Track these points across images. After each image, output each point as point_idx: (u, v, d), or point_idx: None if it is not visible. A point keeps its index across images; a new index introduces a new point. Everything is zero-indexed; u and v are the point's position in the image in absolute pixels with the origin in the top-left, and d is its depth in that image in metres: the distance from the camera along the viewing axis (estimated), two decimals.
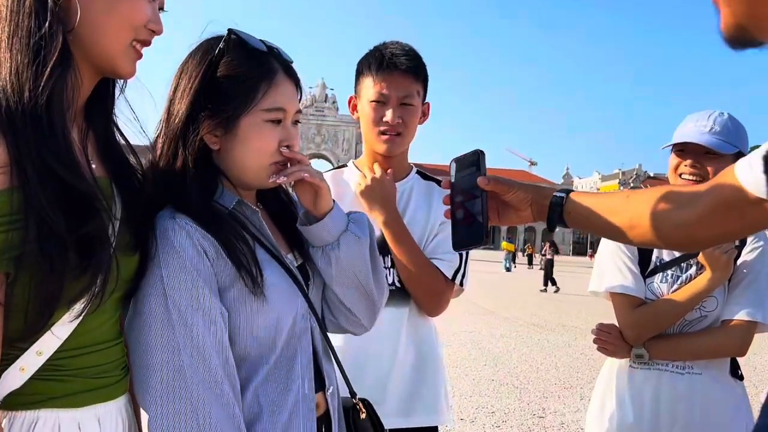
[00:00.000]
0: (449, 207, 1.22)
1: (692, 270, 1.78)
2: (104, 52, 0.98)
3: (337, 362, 1.25)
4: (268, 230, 1.18)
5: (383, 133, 1.68)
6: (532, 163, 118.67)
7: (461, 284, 1.73)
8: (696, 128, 1.74)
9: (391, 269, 1.70)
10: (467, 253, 1.71)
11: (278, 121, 1.13)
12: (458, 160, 1.24)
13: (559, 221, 1.15)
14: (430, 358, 1.74)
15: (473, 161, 1.20)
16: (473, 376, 6.16)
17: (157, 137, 1.15)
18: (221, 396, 1.01)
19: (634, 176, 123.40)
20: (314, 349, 1.19)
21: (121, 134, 1.10)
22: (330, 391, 1.22)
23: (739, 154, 1.71)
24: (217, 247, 1.06)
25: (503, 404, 5.14)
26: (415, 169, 1.85)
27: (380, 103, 1.66)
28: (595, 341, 1.86)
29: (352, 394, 1.28)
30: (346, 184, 1.78)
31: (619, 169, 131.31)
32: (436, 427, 1.74)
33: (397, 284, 1.70)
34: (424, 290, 1.69)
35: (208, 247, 1.06)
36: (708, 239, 1.13)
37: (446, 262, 1.69)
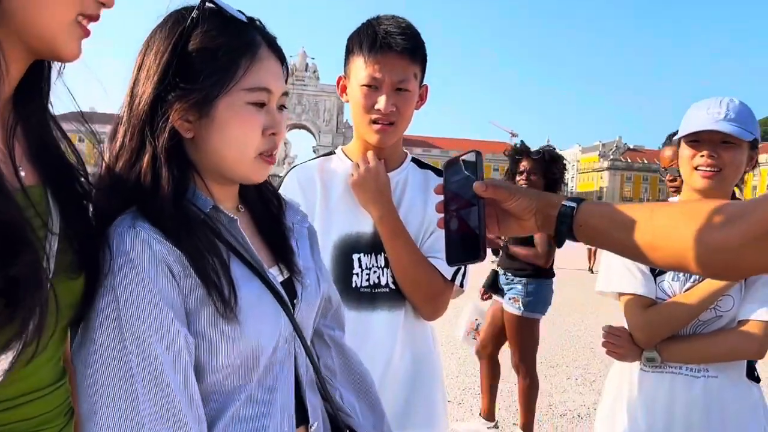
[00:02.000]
0: (442, 215, 1.06)
1: None
2: (41, 29, 0.77)
3: (324, 394, 1.08)
4: (248, 240, 0.98)
5: (375, 122, 1.48)
6: (513, 135, 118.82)
7: (461, 285, 1.57)
8: (709, 116, 1.58)
9: (385, 269, 1.51)
10: None
11: (261, 105, 0.94)
12: (451, 163, 1.06)
13: (568, 234, 0.98)
14: (426, 365, 1.58)
15: (469, 164, 1.03)
16: (459, 355, 6.06)
17: (116, 127, 0.94)
18: None
19: (614, 148, 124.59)
20: (297, 379, 1.01)
21: (59, 128, 0.88)
22: (314, 427, 1.04)
23: (755, 142, 1.59)
24: (184, 262, 0.87)
25: None
26: (410, 157, 1.66)
27: (372, 87, 1.46)
28: (604, 345, 1.72)
29: (341, 428, 1.11)
30: (334, 173, 1.58)
31: (600, 141, 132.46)
32: None
33: (392, 285, 1.51)
34: (422, 292, 1.51)
35: (173, 262, 0.87)
36: (757, 267, 0.89)
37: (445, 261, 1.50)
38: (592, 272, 14.86)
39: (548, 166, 3.77)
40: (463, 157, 1.05)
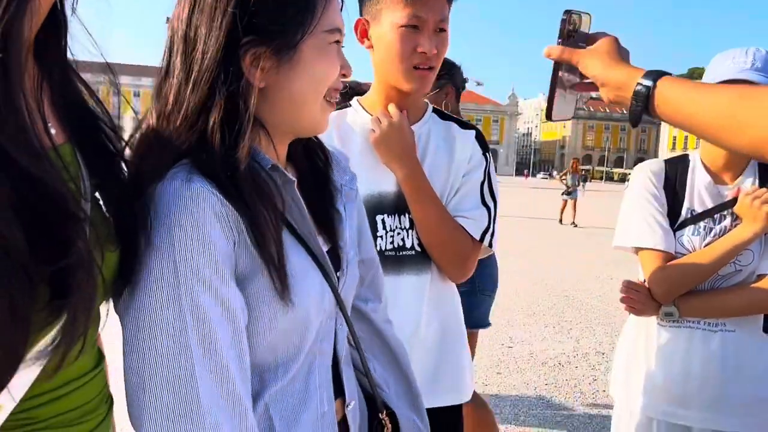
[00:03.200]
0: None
1: (727, 221, 1.62)
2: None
3: (364, 369, 1.03)
4: (304, 205, 0.90)
5: (416, 67, 1.36)
6: (479, 84, 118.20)
7: (490, 245, 1.48)
8: (735, 65, 1.52)
9: (410, 231, 1.44)
10: (495, 210, 1.50)
11: (337, 44, 0.88)
12: (562, 21, 1.03)
13: (645, 113, 0.93)
14: (453, 330, 1.53)
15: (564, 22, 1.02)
16: None
17: (161, 82, 0.83)
18: (239, 416, 0.76)
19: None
20: (335, 356, 0.96)
21: (82, 80, 0.76)
22: (351, 406, 0.99)
23: None
24: (241, 226, 0.77)
25: None
26: (431, 107, 1.54)
27: (413, 28, 1.33)
28: (622, 300, 1.70)
29: (379, 408, 1.06)
30: (351, 129, 1.47)
31: None
32: (461, 406, 1.54)
33: (417, 248, 1.44)
34: (450, 254, 1.44)
35: (232, 223, 0.77)
36: None
37: (472, 220, 1.44)
38: (561, 223, 15.08)
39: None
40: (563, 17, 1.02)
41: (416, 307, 1.44)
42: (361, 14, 1.44)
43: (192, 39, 0.80)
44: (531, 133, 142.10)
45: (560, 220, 15.59)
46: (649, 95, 0.90)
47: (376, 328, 1.14)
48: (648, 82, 0.90)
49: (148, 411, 0.71)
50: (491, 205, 1.48)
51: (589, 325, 5.68)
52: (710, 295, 1.63)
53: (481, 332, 5.21)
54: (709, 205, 1.64)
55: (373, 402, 1.07)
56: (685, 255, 1.63)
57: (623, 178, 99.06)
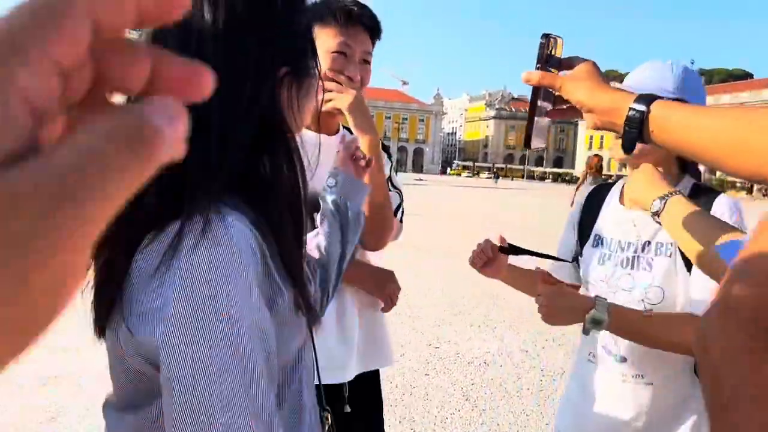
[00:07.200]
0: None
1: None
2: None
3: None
4: None
5: None
6: (404, 83, 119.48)
7: (401, 221, 1.73)
8: (656, 82, 1.43)
9: None
10: (402, 195, 1.76)
11: None
12: (541, 45, 0.98)
13: (638, 140, 0.89)
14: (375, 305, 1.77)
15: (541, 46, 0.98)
16: None
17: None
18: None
19: (500, 97, 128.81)
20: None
21: None
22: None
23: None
24: (265, 253, 0.74)
25: (399, 336, 5.05)
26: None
27: (343, 55, 1.54)
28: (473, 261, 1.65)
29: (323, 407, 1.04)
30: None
31: (486, 91, 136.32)
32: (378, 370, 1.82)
33: None
34: (380, 223, 1.58)
35: (260, 249, 0.74)
36: None
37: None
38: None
39: None
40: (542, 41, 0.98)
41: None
42: None
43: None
44: (455, 133, 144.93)
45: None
46: (643, 120, 0.87)
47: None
48: (641, 107, 0.87)
49: None
50: (401, 188, 1.77)
51: (513, 324, 5.78)
52: (648, 319, 1.40)
53: (408, 330, 5.22)
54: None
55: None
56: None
57: (543, 177, 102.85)
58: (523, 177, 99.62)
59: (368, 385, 1.75)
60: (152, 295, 0.66)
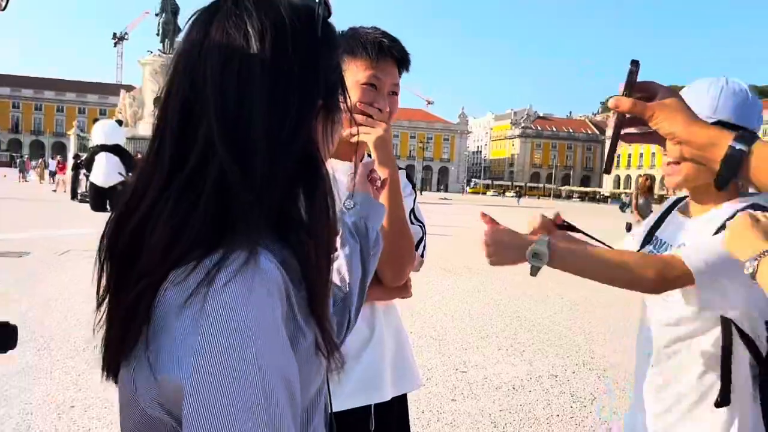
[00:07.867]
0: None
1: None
2: None
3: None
4: None
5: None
6: (429, 102, 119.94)
7: (422, 255, 1.71)
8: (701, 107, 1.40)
9: None
10: (425, 228, 1.75)
11: None
12: (631, 72, 0.98)
13: (733, 176, 0.90)
14: (401, 330, 1.78)
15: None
16: None
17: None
18: None
19: (525, 116, 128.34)
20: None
21: None
22: None
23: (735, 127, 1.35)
24: (290, 294, 0.72)
25: (425, 359, 4.99)
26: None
27: (373, 87, 1.59)
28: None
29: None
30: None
31: (511, 110, 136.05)
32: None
33: None
34: (399, 257, 1.58)
35: (287, 290, 0.72)
36: None
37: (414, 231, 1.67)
38: None
39: None
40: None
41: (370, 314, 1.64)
42: None
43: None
44: (481, 151, 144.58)
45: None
46: (742, 159, 0.87)
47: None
48: (742, 147, 0.88)
49: None
50: (423, 221, 1.75)
51: (541, 347, 5.67)
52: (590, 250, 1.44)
53: (434, 354, 5.15)
54: None
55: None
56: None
57: (569, 195, 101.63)
58: (549, 196, 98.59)
59: (396, 410, 1.73)
60: (180, 331, 0.64)
